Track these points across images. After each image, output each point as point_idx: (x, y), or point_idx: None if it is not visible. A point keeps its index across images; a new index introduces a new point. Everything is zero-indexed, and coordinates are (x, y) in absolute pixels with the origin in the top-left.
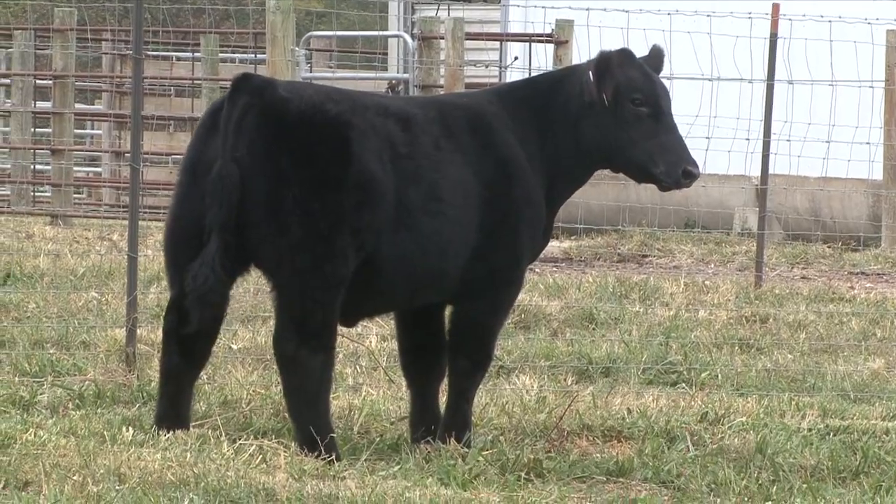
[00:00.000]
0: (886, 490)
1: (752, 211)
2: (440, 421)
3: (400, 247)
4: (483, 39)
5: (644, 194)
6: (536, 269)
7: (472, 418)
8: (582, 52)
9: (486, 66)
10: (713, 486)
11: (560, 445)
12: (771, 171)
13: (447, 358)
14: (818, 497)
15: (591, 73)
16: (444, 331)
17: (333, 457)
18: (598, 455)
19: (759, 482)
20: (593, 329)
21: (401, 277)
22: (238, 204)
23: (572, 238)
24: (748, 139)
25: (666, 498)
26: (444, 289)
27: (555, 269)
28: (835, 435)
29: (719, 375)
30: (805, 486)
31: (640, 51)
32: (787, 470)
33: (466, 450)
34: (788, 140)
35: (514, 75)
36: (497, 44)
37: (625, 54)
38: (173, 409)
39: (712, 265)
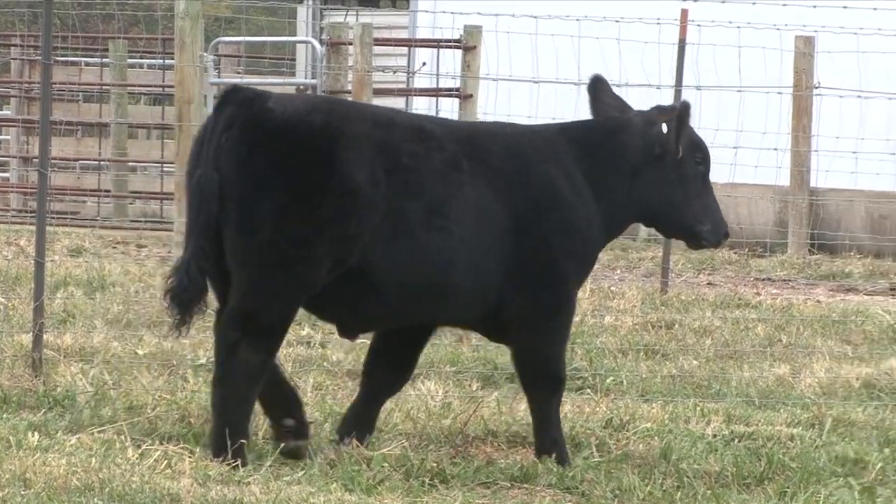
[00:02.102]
0: (791, 496)
1: None
2: (371, 431)
3: (394, 257)
4: (391, 45)
5: None
6: None
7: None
8: (490, 57)
9: (394, 72)
10: (617, 492)
11: (465, 451)
12: None
13: (524, 386)
14: (722, 503)
15: (665, 125)
16: (419, 355)
17: (239, 461)
18: (502, 461)
19: (664, 488)
20: None
21: (395, 288)
22: (218, 213)
23: None
24: None
25: (570, 503)
26: (456, 307)
27: None
28: (739, 441)
29: (624, 381)
30: (709, 492)
31: (550, 54)
32: (692, 476)
33: (562, 466)
34: None
35: (421, 81)
36: (405, 49)
37: (689, 109)
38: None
39: (619, 271)
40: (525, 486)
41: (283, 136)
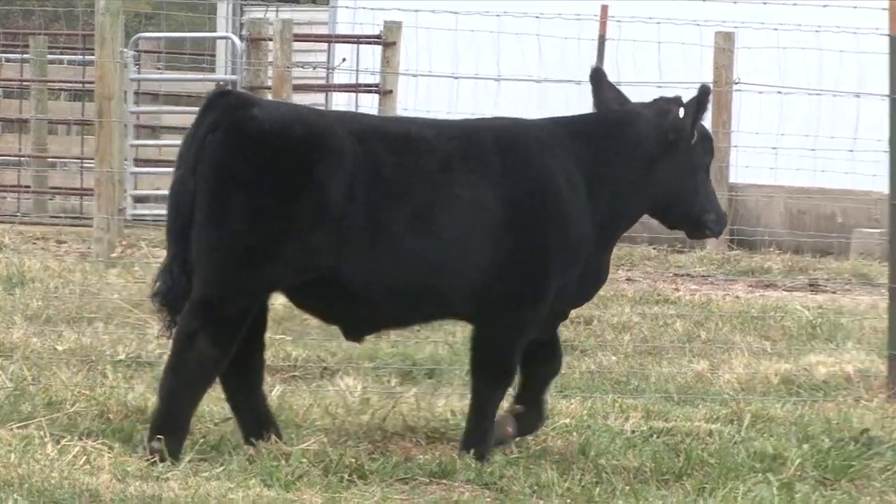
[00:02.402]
0: (709, 492)
1: None
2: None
3: (377, 265)
4: (311, 41)
5: None
6: None
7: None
8: (410, 53)
9: (314, 68)
10: (536, 487)
11: (383, 447)
12: None
13: (471, 371)
14: (640, 499)
15: (682, 109)
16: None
17: (166, 452)
18: (421, 456)
19: (582, 484)
20: (417, 331)
21: (383, 294)
22: (191, 214)
23: None
24: None
25: (489, 499)
26: (453, 305)
27: None
28: (658, 437)
29: None
30: (628, 487)
31: (470, 50)
32: (610, 472)
33: (479, 461)
34: None
35: (341, 77)
36: (325, 45)
37: (709, 94)
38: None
39: None
40: (444, 481)
41: (264, 144)
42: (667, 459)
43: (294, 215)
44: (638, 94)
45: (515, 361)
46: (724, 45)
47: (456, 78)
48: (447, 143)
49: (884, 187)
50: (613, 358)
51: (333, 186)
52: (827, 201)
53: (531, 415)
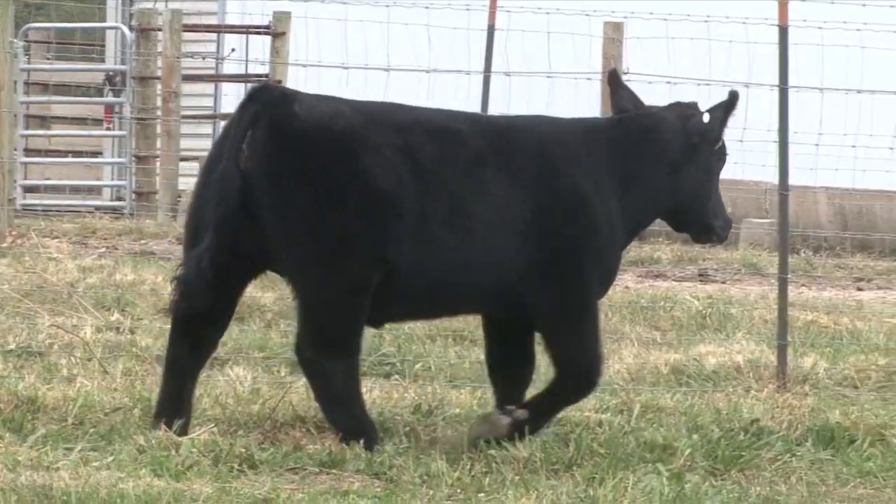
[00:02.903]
0: (599, 482)
1: None
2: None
3: (420, 258)
4: (201, 31)
5: None
6: None
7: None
8: (299, 43)
9: (204, 58)
10: (426, 477)
11: (273, 436)
12: None
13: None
14: (530, 489)
15: (706, 114)
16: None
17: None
18: (311, 446)
19: (472, 474)
20: None
21: (420, 287)
22: (239, 208)
23: None
24: None
25: (378, 489)
26: (478, 302)
27: None
28: (548, 427)
29: (433, 367)
30: (518, 477)
31: (359, 40)
32: (500, 462)
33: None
34: None
35: (230, 67)
36: (214, 35)
37: (738, 98)
38: (172, 402)
39: None
40: (333, 471)
41: (305, 140)
42: (557, 449)
43: (350, 213)
44: (528, 85)
45: (595, 367)
46: (614, 36)
47: (345, 68)
48: (483, 138)
49: (773, 177)
50: None
51: (382, 174)
52: None
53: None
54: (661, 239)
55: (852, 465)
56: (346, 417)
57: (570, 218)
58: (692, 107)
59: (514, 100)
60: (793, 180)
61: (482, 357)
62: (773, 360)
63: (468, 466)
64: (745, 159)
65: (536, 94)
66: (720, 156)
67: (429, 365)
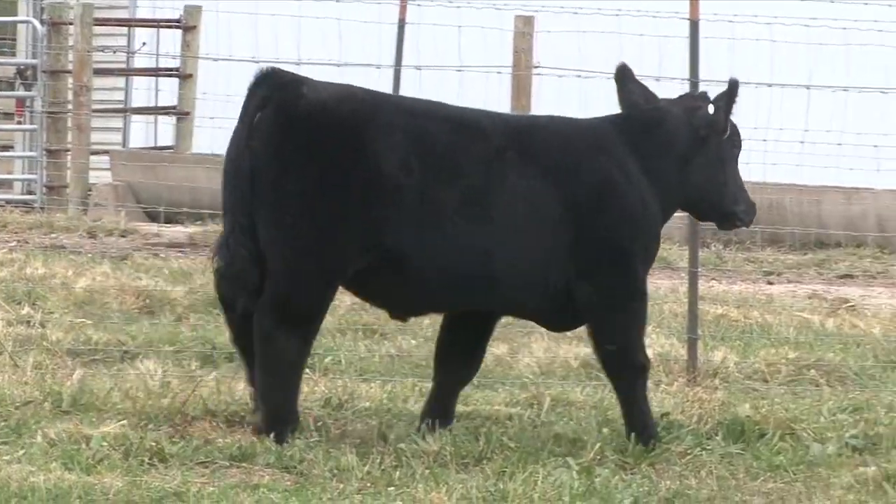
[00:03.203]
0: (509, 476)
1: None
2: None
3: (431, 245)
4: (112, 25)
5: None
6: (161, 255)
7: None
8: (210, 37)
9: (115, 52)
10: (336, 471)
11: (184, 430)
12: None
13: (606, 374)
14: (440, 482)
15: (711, 105)
16: (485, 344)
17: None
18: (221, 440)
19: (382, 468)
20: (217, 315)
21: (434, 276)
22: (251, 191)
23: (197, 223)
24: None
25: (289, 483)
26: (504, 297)
27: (180, 254)
28: (458, 421)
29: (343, 361)
30: (428, 471)
31: (270, 34)
32: (410, 455)
33: (650, 446)
34: None
35: (141, 61)
36: (125, 29)
37: (738, 87)
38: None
39: None
40: (244, 465)
41: (313, 122)
42: (467, 443)
43: (350, 194)
44: (438, 79)
45: (643, 351)
46: (524, 29)
47: (256, 62)
48: (501, 134)
49: None
50: (413, 342)
51: (387, 159)
52: None
53: (442, 418)
54: None
55: (762, 459)
56: (280, 396)
57: (604, 206)
58: (700, 98)
59: (424, 93)
60: None
61: (392, 351)
62: (683, 353)
63: (378, 460)
64: None
65: (447, 88)
66: (733, 142)
67: (339, 359)
